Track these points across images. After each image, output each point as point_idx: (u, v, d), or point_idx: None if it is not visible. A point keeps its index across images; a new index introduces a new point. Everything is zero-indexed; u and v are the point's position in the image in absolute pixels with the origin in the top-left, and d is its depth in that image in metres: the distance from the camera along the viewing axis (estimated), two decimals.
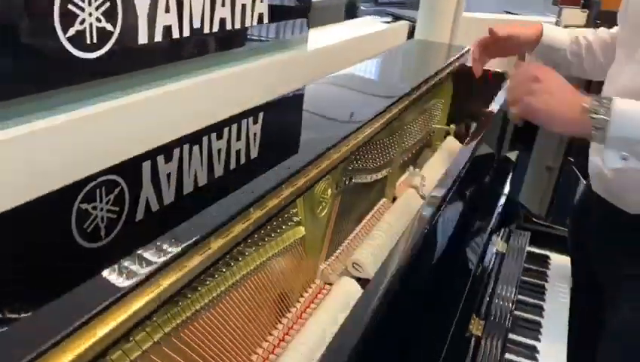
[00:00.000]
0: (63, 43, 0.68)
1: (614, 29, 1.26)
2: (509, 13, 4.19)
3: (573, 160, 2.13)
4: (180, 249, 0.49)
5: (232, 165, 0.75)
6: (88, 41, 0.72)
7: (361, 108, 1.03)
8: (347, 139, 0.86)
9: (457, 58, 1.56)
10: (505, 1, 6.05)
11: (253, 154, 0.80)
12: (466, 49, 1.66)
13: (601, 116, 0.86)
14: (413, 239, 0.73)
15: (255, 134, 0.88)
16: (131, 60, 0.81)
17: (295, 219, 0.80)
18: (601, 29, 1.30)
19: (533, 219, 1.66)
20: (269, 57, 1.17)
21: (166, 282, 0.48)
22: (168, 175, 0.68)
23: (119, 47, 0.77)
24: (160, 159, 0.71)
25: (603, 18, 2.12)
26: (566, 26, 2.11)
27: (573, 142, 2.20)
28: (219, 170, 0.72)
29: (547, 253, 1.58)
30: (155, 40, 0.83)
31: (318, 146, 0.78)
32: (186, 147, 0.76)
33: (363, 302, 0.60)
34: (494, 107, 1.35)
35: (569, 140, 2.25)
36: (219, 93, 0.98)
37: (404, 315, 0.70)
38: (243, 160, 0.77)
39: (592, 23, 2.12)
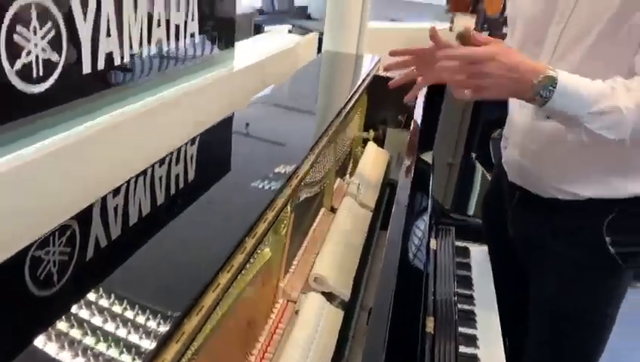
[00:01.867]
0: (10, 77, 0.62)
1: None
2: (396, 20, 4.41)
3: (475, 155, 2.31)
4: (196, 289, 0.48)
5: (205, 197, 0.73)
6: (35, 74, 0.66)
7: (308, 125, 1.04)
8: (309, 154, 0.87)
9: (373, 68, 1.63)
10: (388, 7, 6.35)
11: (227, 180, 0.78)
12: (377, 59, 1.74)
13: (544, 95, 0.96)
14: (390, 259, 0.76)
15: (216, 159, 0.86)
16: (75, 91, 0.75)
17: (265, 242, 0.80)
18: None
19: (451, 215, 1.78)
20: (199, 77, 1.15)
21: (189, 328, 0.46)
22: (142, 212, 0.64)
23: (64, 78, 0.71)
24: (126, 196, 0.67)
25: (488, 22, 2.33)
26: (458, 33, 2.29)
27: (473, 139, 2.38)
28: (195, 203, 0.70)
29: (466, 244, 1.70)
30: (99, 68, 0.78)
31: (287, 166, 0.78)
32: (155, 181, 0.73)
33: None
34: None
35: (467, 137, 2.43)
36: (167, 115, 0.95)
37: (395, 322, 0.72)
38: (219, 188, 0.75)
39: (480, 27, 2.32)
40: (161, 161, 0.83)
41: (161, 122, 0.98)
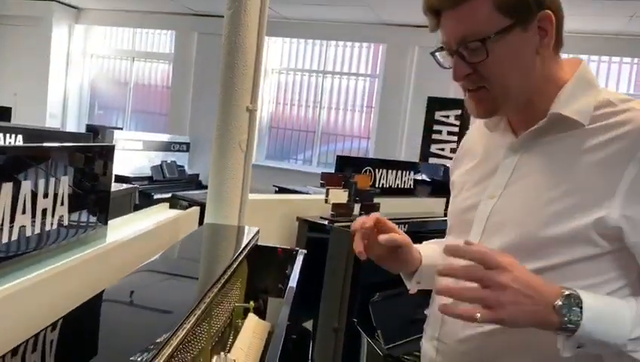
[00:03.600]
0: None
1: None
2: (282, 189, 4.67)
3: (356, 320, 2.36)
4: None
5: None
6: None
7: (175, 305, 1.04)
8: (170, 339, 0.86)
9: (252, 239, 1.69)
10: (274, 176, 6.73)
11: None
12: (256, 230, 1.82)
13: (573, 319, 0.83)
14: None
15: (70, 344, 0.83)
16: None
17: None
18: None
19: None
20: (69, 256, 1.13)
21: None
22: None
23: None
24: None
25: (360, 195, 2.56)
26: (333, 204, 2.49)
27: (354, 304, 2.45)
28: None
29: None
30: None
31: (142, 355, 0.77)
32: None
33: None
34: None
35: (349, 302, 2.50)
36: (29, 299, 0.91)
37: None
38: None
39: (353, 199, 2.53)
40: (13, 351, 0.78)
41: (20, 307, 0.94)
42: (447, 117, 6.43)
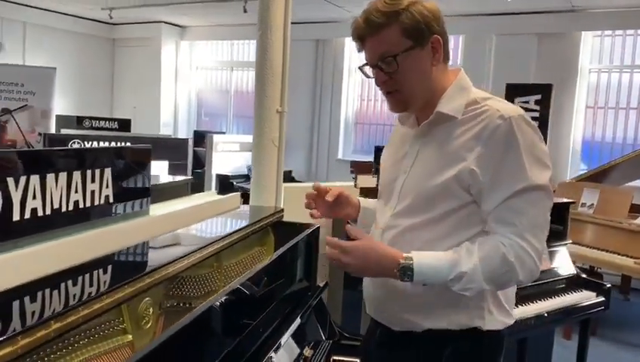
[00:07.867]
0: None
1: None
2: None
3: None
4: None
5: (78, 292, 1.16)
6: None
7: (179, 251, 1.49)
8: (153, 271, 1.31)
9: (269, 216, 2.12)
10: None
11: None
12: (279, 209, 2.24)
13: (406, 278, 1.26)
14: None
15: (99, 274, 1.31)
16: (6, 234, 1.22)
17: (121, 326, 1.20)
18: None
19: (345, 334, 2.13)
20: (115, 225, 1.62)
21: None
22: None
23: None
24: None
25: None
26: (361, 188, 2.83)
27: None
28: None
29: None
30: (25, 218, 1.26)
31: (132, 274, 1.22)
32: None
33: None
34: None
35: None
36: (76, 253, 1.39)
37: None
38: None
39: None
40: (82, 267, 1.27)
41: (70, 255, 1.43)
42: (527, 102, 6.40)
